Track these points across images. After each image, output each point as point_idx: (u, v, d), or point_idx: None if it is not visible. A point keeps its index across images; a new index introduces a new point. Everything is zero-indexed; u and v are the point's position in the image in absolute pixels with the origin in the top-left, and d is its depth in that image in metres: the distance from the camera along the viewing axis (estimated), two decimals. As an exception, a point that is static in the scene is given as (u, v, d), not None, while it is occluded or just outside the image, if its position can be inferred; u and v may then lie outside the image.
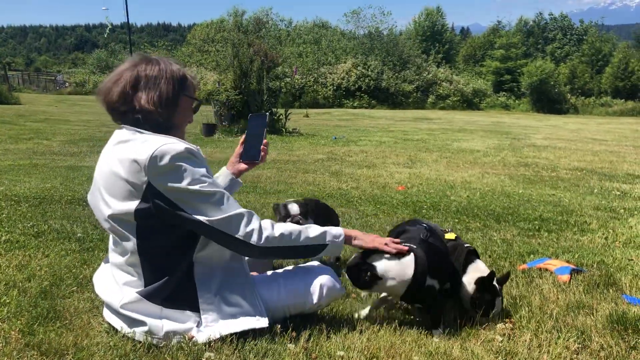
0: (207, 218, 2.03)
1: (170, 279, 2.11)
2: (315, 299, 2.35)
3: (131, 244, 2.10)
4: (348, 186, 6.52)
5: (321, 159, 9.07)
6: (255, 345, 2.11)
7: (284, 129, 13.63)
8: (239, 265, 2.28)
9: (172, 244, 2.12)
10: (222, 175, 2.61)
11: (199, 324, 2.14)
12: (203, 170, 2.06)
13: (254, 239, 2.08)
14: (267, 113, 2.63)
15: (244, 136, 2.61)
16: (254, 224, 2.10)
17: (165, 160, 1.98)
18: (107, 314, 2.27)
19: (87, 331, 2.24)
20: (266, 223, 2.15)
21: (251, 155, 2.55)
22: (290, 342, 2.17)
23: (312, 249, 2.25)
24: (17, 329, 2.19)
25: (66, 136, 11.66)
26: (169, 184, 1.99)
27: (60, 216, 4.31)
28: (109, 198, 2.08)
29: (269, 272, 2.49)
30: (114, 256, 2.22)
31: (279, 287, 2.34)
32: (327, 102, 34.67)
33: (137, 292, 2.13)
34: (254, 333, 2.16)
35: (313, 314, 2.41)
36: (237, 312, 2.18)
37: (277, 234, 2.13)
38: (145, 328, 2.12)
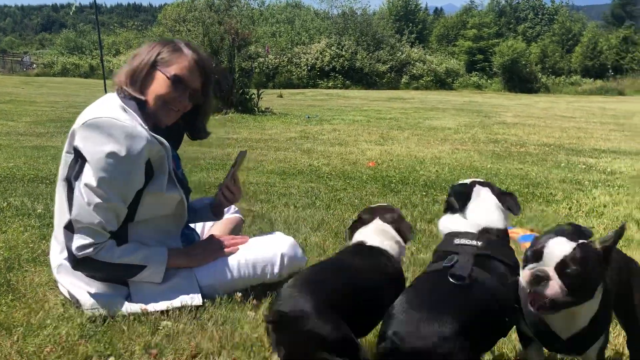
0: (78, 192, 2.03)
1: None
2: (276, 270, 2.33)
3: (65, 205, 2.12)
4: (319, 163, 6.50)
5: (293, 138, 9.02)
6: (214, 313, 2.09)
7: (256, 109, 13.50)
8: (173, 243, 2.28)
9: None
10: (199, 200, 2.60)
11: (128, 297, 2.13)
12: (119, 165, 2.02)
13: (76, 244, 2.03)
14: (244, 150, 2.47)
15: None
16: (93, 238, 2.04)
17: (98, 129, 2.02)
18: (61, 285, 2.23)
19: (42, 304, 2.20)
20: (101, 247, 2.06)
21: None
22: (251, 310, 2.15)
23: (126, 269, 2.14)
24: (-33, 303, 2.13)
25: (32, 117, 11.37)
26: (84, 147, 2.03)
27: (21, 194, 4.21)
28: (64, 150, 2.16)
29: None
30: (56, 224, 2.23)
31: (239, 259, 2.32)
32: (302, 82, 34.45)
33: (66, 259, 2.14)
34: (213, 301, 2.15)
35: (276, 282, 2.39)
36: (168, 289, 2.17)
37: (98, 252, 2.05)
38: (76, 298, 2.14)
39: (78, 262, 2.05)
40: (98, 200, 2.00)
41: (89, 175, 2.00)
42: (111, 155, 1.99)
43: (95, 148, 2.00)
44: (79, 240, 2.02)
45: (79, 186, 2.02)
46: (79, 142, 2.04)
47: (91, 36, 50.14)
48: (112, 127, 2.01)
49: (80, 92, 20.98)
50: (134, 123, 2.05)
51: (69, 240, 2.05)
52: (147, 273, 2.14)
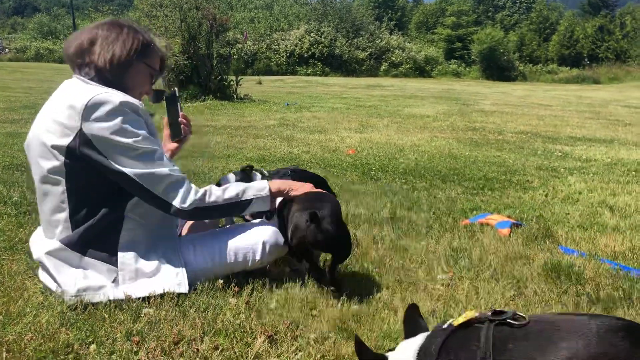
0: (130, 170, 2.04)
1: (95, 227, 2.09)
2: (257, 257, 2.34)
3: (61, 188, 2.08)
4: (299, 150, 6.50)
5: (273, 125, 8.99)
6: (196, 300, 2.10)
7: (235, 95, 13.40)
8: (167, 231, 2.28)
9: (103, 194, 2.11)
10: None
11: (115, 280, 2.12)
12: (137, 124, 2.07)
13: (176, 200, 2.09)
14: (175, 89, 2.62)
15: (166, 119, 2.61)
16: (181, 187, 2.11)
17: (100, 107, 2.01)
18: (42, 273, 2.21)
19: (21, 292, 2.17)
20: (195, 188, 2.16)
21: (176, 134, 2.59)
22: (233, 297, 2.16)
23: (237, 207, 2.27)
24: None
25: (6, 103, 11.12)
26: (98, 132, 2.01)
27: (-4, 182, 4.13)
28: (46, 138, 2.06)
29: (210, 232, 2.47)
30: (43, 213, 2.18)
31: (221, 247, 2.32)
32: (281, 69, 34.28)
33: (59, 240, 2.12)
34: (195, 288, 2.15)
35: (258, 270, 2.40)
36: (156, 274, 2.16)
37: (204, 198, 2.15)
38: (59, 284, 2.11)
39: (192, 214, 2.14)
40: (149, 157, 2.05)
41: (123, 150, 2.02)
42: (125, 121, 2.03)
43: (108, 124, 2.01)
44: (174, 197, 2.08)
45: (125, 169, 2.03)
46: (87, 130, 2.00)
47: (65, 20, 49.13)
48: (109, 101, 2.02)
49: (56, 77, 20.53)
50: (112, 90, 2.09)
51: (166, 206, 2.09)
52: (256, 204, 2.27)
